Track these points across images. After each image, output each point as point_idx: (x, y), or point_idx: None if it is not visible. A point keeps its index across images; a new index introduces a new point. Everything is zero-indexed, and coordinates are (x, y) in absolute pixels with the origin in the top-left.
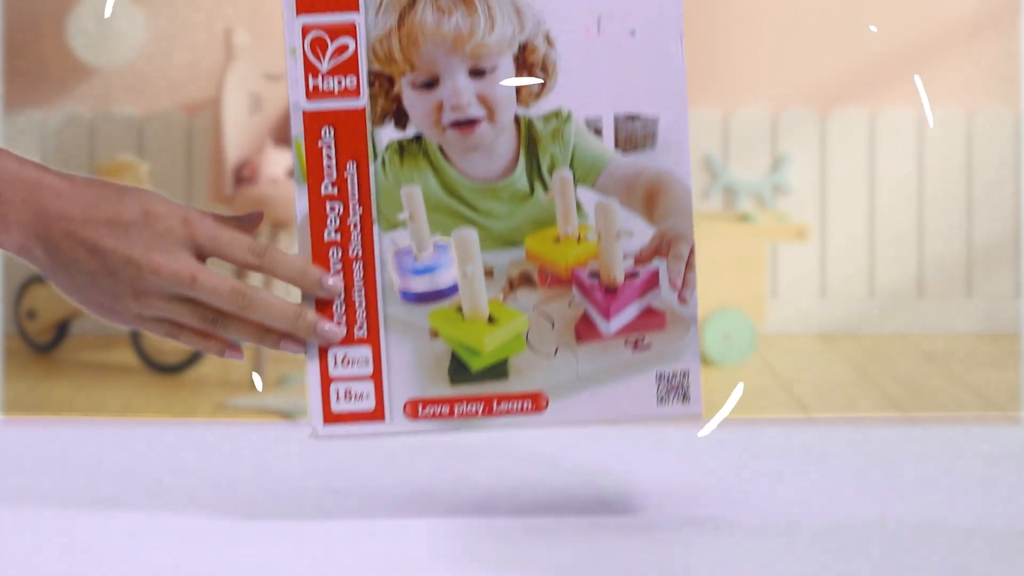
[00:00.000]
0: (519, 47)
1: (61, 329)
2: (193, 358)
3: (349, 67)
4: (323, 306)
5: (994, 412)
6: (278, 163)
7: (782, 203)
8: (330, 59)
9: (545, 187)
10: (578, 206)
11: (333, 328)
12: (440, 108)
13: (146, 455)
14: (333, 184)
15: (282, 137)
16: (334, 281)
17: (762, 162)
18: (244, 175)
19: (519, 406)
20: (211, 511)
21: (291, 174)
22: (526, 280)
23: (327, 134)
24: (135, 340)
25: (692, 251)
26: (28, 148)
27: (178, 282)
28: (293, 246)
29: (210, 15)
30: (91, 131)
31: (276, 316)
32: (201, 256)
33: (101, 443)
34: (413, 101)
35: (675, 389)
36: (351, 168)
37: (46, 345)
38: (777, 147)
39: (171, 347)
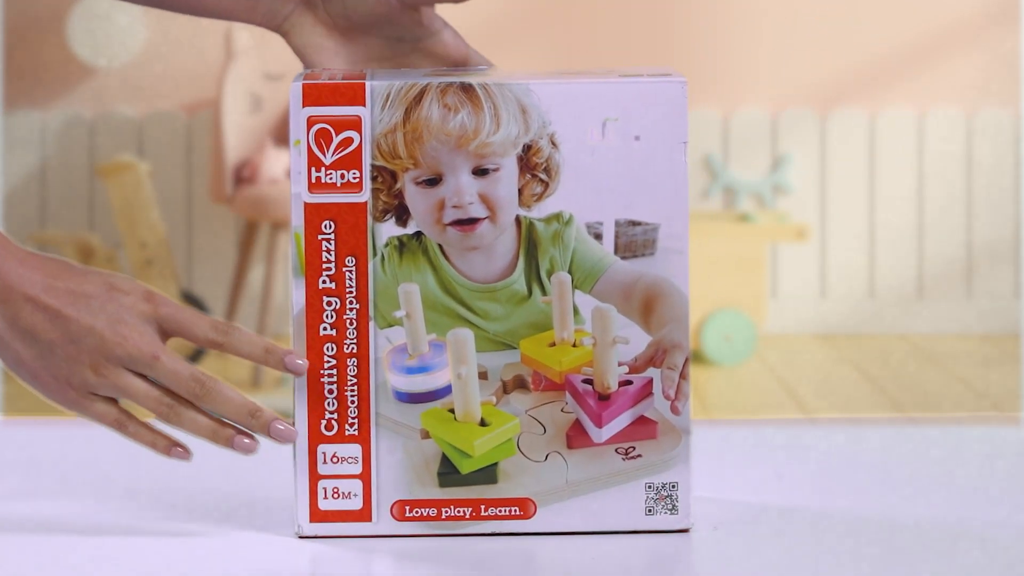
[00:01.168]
0: (524, 148)
1: None
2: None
3: (352, 161)
4: (316, 402)
5: (994, 412)
6: (278, 163)
7: (782, 203)
8: (334, 152)
9: (543, 290)
10: (575, 311)
11: (289, 429)
12: (442, 206)
13: (146, 455)
14: (331, 279)
15: (282, 137)
16: (301, 361)
17: (762, 162)
18: (244, 175)
19: (507, 511)
20: (211, 512)
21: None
22: (520, 384)
23: (327, 227)
24: None
25: (687, 362)
26: (28, 148)
27: (140, 357)
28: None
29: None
30: (91, 131)
31: (232, 409)
32: (163, 335)
33: (101, 443)
34: (415, 198)
35: (663, 500)
36: (350, 263)
37: None
38: (777, 147)
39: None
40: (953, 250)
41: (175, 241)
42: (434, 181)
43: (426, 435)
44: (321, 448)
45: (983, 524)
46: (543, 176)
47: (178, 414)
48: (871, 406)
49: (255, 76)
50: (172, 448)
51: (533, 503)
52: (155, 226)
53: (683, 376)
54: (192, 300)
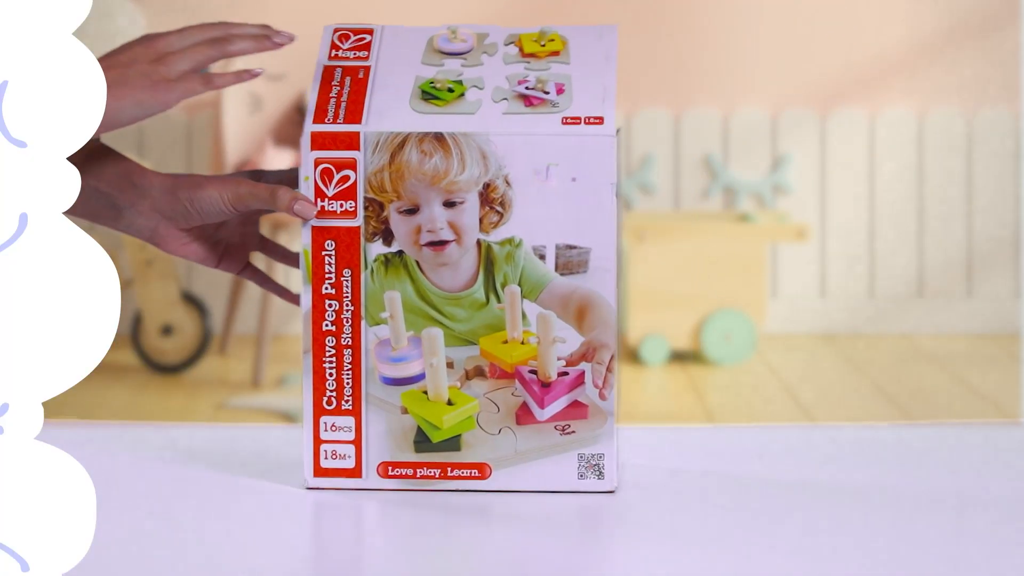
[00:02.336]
0: (484, 185)
1: None
2: (193, 358)
3: (349, 194)
4: (319, 383)
5: (994, 413)
6: (278, 163)
7: (782, 203)
8: (335, 186)
9: (498, 299)
10: (523, 316)
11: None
12: (419, 231)
13: (146, 456)
14: (332, 286)
15: (282, 137)
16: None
17: (762, 162)
18: None
19: (468, 473)
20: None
21: None
22: (479, 372)
23: (329, 246)
24: (135, 340)
25: (613, 358)
26: None
27: (173, 38)
28: (293, 246)
29: (210, 15)
30: None
31: (249, 29)
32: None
33: (101, 444)
34: (398, 224)
35: (592, 468)
36: (346, 274)
37: None
38: (777, 147)
39: (171, 347)
40: (953, 250)
41: None
42: (413, 211)
43: (405, 411)
44: (323, 419)
45: (983, 525)
46: (499, 208)
47: (231, 39)
48: (871, 406)
49: None
50: (274, 35)
51: (489, 467)
52: None
53: (609, 369)
54: (192, 300)
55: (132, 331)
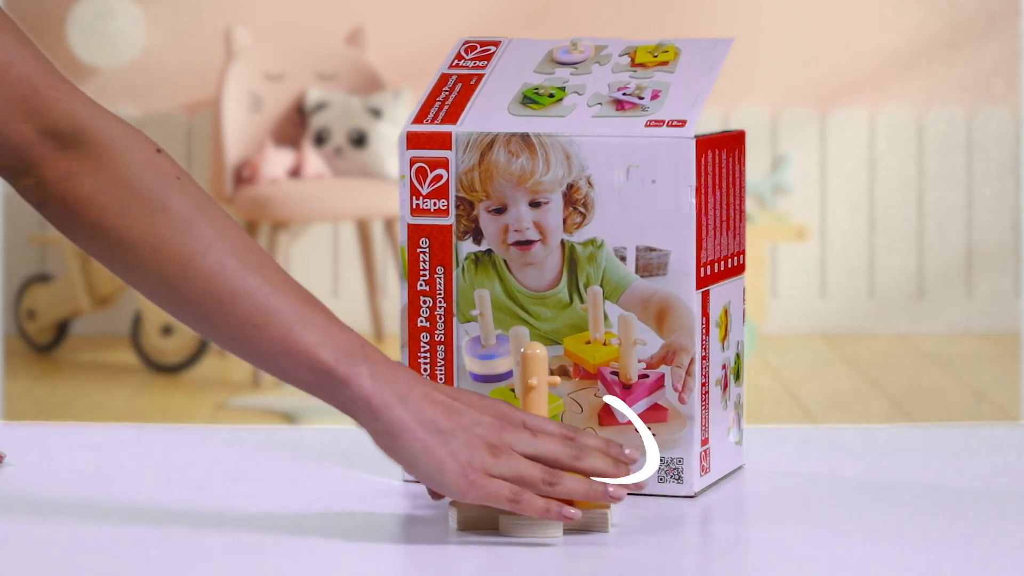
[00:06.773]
0: (567, 186)
1: (61, 329)
2: (193, 358)
3: (442, 192)
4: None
5: (994, 413)
6: (278, 163)
7: (782, 203)
8: (428, 185)
9: (582, 299)
10: (605, 317)
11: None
12: (506, 230)
13: (146, 457)
14: (426, 283)
15: (281, 137)
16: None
17: (762, 162)
18: (244, 175)
19: None
20: (210, 513)
21: (290, 173)
22: (563, 372)
23: (423, 243)
24: (135, 340)
25: (692, 362)
26: None
27: (524, 436)
28: (293, 246)
29: (210, 15)
30: None
31: (600, 463)
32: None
33: (101, 445)
34: (487, 223)
35: (672, 472)
36: (439, 271)
37: (46, 345)
38: (777, 147)
39: (171, 347)
40: (953, 250)
41: None
42: (501, 210)
43: None
44: None
45: (982, 525)
46: (582, 209)
47: (558, 486)
48: (871, 406)
49: (255, 76)
50: (563, 511)
51: None
52: None
53: (688, 373)
54: None
55: (132, 331)
